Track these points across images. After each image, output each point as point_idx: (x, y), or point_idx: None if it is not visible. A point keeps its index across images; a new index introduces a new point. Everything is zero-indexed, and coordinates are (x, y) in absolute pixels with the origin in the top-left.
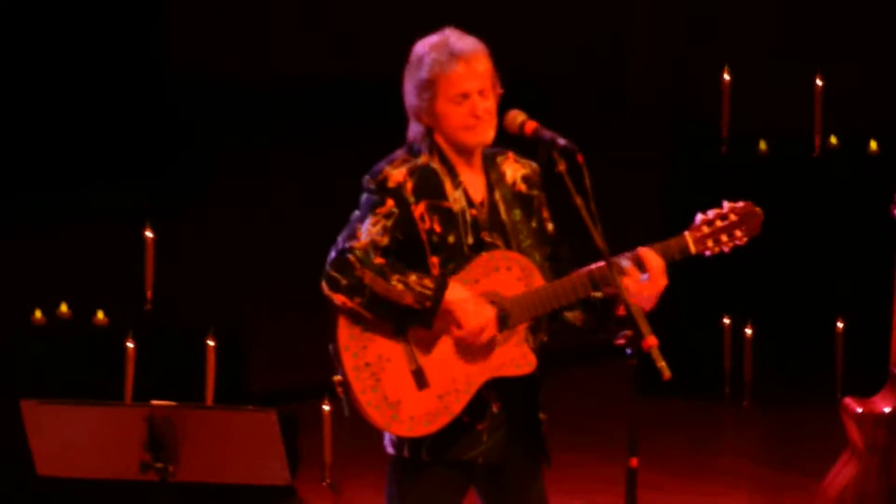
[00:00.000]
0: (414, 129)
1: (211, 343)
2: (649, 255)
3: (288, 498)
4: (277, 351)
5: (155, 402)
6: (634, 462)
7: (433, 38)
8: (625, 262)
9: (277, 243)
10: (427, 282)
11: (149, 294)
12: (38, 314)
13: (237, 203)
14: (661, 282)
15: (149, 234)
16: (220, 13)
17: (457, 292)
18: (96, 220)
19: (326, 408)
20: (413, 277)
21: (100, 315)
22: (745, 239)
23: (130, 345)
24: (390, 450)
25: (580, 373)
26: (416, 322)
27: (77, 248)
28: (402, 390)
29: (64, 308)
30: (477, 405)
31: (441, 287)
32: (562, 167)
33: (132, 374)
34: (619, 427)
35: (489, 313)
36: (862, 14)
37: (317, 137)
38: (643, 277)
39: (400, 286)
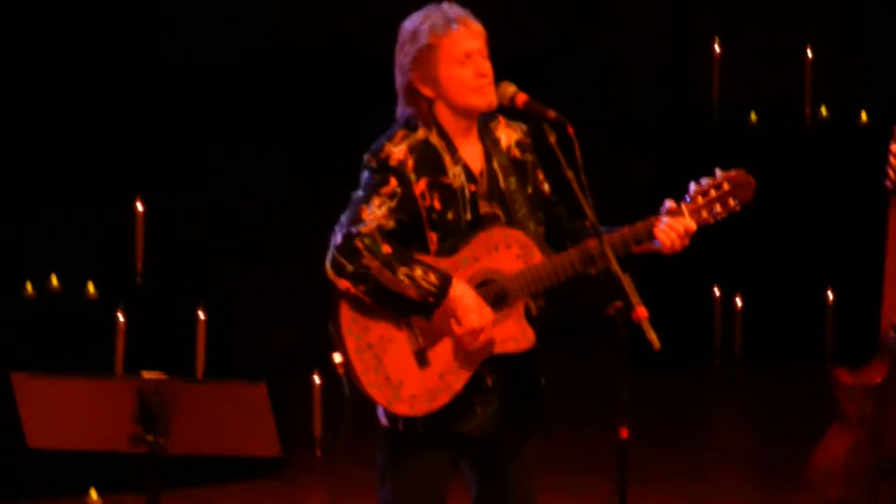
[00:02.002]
0: (402, 113)
1: (202, 316)
2: (682, 218)
3: (278, 469)
4: (267, 323)
5: (145, 374)
6: (625, 433)
7: (421, 13)
8: (664, 218)
9: (267, 216)
10: (432, 277)
11: (139, 267)
12: (28, 288)
13: (226, 176)
14: (685, 243)
15: (139, 207)
16: None
17: (460, 290)
18: (87, 193)
19: (317, 380)
20: (419, 272)
21: (90, 288)
22: (738, 207)
23: (121, 318)
24: (384, 422)
25: (569, 344)
26: (416, 313)
27: (67, 220)
28: (404, 370)
29: (54, 281)
30: (472, 379)
31: (445, 284)
32: (552, 139)
33: (122, 346)
34: (609, 398)
35: (489, 316)
36: None
37: (305, 112)
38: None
39: (406, 280)
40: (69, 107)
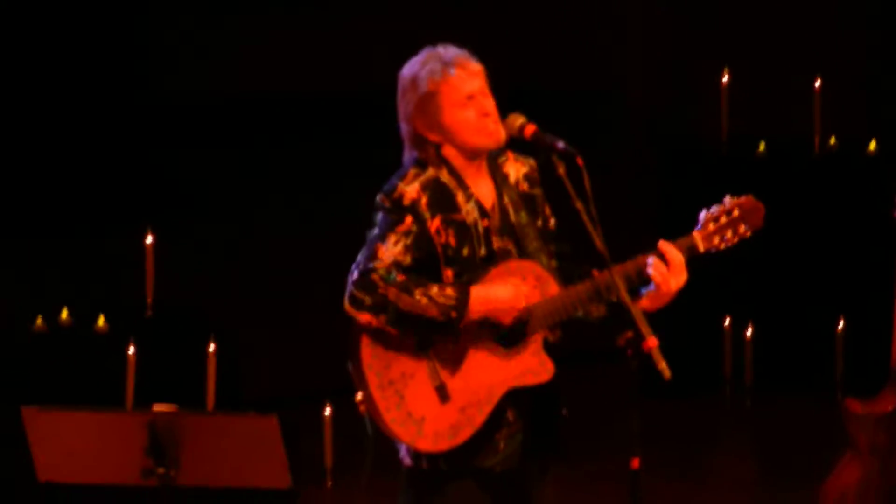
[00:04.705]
0: (409, 157)
1: (212, 348)
2: (670, 249)
3: (288, 501)
4: (278, 355)
5: (156, 407)
6: (636, 463)
7: (418, 58)
8: (649, 258)
9: (277, 249)
10: (449, 291)
11: (149, 300)
12: (39, 321)
13: (236, 209)
14: (682, 276)
15: (149, 240)
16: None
17: (480, 294)
18: (97, 227)
19: (327, 412)
20: (435, 289)
21: (101, 322)
22: (748, 233)
23: (131, 351)
24: (407, 461)
25: (579, 374)
26: (443, 332)
27: (78, 254)
28: (426, 406)
29: (65, 315)
30: (493, 413)
31: (464, 295)
32: (561, 171)
33: (133, 380)
34: (620, 428)
35: (521, 295)
36: (860, 15)
37: (313, 147)
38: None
39: (424, 300)
40: (80, 140)
